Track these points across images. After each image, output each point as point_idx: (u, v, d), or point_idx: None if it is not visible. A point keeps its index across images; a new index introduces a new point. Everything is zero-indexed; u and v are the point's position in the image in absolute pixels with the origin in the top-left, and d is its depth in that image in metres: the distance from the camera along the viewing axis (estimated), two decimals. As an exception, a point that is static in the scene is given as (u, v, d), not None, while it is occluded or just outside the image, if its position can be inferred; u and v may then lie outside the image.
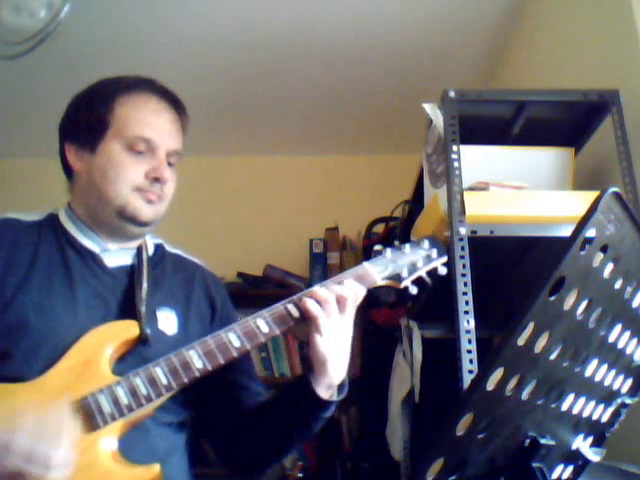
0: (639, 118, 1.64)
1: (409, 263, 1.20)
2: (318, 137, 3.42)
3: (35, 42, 1.66)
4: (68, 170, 1.23)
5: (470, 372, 1.37)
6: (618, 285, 0.80)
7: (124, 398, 1.00)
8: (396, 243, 1.22)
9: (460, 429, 0.71)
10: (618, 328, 0.85)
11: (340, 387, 1.11)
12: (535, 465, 0.81)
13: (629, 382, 0.96)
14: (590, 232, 0.71)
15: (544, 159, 1.71)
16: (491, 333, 1.86)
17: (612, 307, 0.82)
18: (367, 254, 3.25)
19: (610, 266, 0.77)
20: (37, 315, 1.05)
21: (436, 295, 1.62)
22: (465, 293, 1.43)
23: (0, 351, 1.03)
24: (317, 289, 1.08)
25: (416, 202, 2.13)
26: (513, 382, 0.74)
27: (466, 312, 1.42)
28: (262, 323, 1.08)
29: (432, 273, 1.22)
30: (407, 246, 1.22)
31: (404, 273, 1.19)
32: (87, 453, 0.96)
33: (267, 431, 1.16)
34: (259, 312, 1.10)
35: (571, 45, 2.11)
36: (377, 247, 1.21)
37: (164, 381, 1.02)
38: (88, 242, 1.18)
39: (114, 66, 3.03)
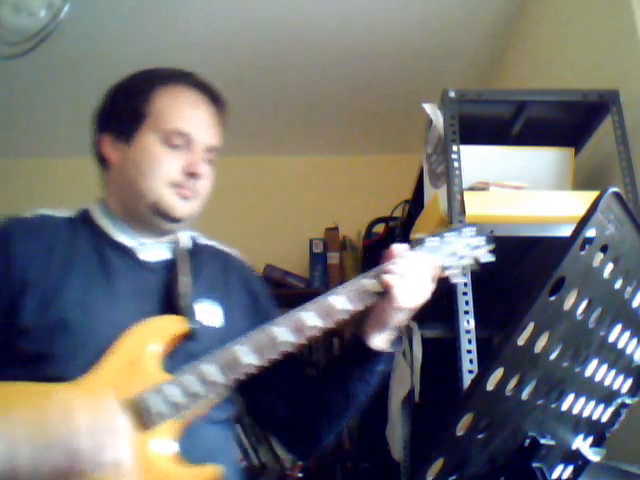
0: (639, 118, 1.64)
1: (454, 251, 1.15)
2: (318, 137, 3.41)
3: (35, 42, 1.66)
4: (103, 162, 1.20)
5: (470, 372, 1.37)
6: (618, 285, 0.80)
7: (178, 397, 0.97)
8: (436, 232, 1.18)
9: (460, 429, 0.71)
10: (618, 328, 0.85)
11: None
12: (535, 465, 0.81)
13: (629, 382, 0.96)
14: (590, 232, 0.71)
15: (544, 159, 1.71)
16: (491, 333, 1.86)
17: (612, 307, 0.82)
18: (367, 254, 3.24)
19: (610, 266, 0.77)
20: (79, 314, 1.03)
21: (436, 295, 1.62)
22: (465, 293, 1.43)
23: (42, 351, 1.01)
24: (393, 266, 1.06)
25: (416, 202, 2.13)
26: (513, 382, 0.74)
27: (466, 312, 1.42)
28: (311, 316, 1.05)
29: (477, 261, 1.17)
30: (450, 234, 1.16)
31: (449, 262, 1.14)
32: (145, 455, 0.94)
33: (328, 395, 1.14)
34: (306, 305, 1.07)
35: (571, 45, 2.11)
36: (418, 235, 1.16)
37: (217, 378, 0.99)
38: (123, 237, 1.15)
39: (114, 66, 3.03)
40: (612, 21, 1.82)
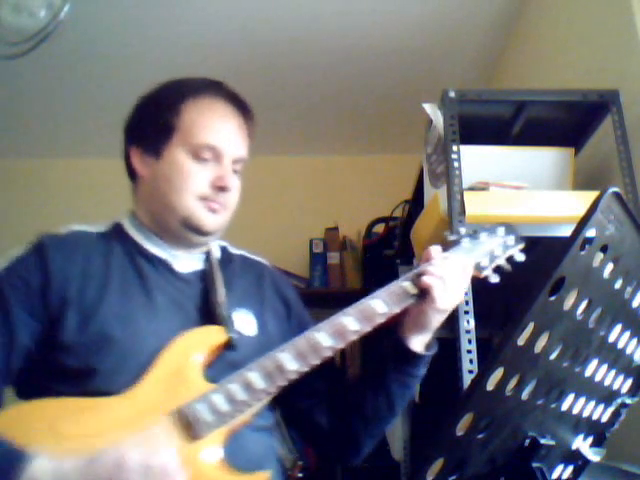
0: (639, 118, 1.64)
1: (488, 251, 1.17)
2: (318, 137, 3.41)
3: (35, 42, 1.66)
4: (132, 175, 1.19)
5: (470, 372, 1.37)
6: (618, 285, 0.80)
7: (223, 406, 0.97)
8: (468, 231, 1.18)
9: (460, 429, 0.71)
10: (618, 328, 0.85)
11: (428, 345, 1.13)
12: (535, 465, 0.81)
13: (629, 382, 0.96)
14: (590, 232, 0.71)
15: (544, 159, 1.71)
16: (491, 333, 1.85)
17: (612, 307, 0.82)
18: (367, 254, 3.22)
19: (610, 266, 0.77)
20: (120, 327, 1.03)
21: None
22: (465, 293, 1.42)
23: (85, 367, 1.01)
24: (432, 267, 1.07)
25: (416, 202, 2.13)
26: (513, 382, 0.74)
27: (466, 312, 1.41)
28: (351, 320, 1.05)
29: (511, 260, 1.20)
30: (483, 234, 1.18)
31: (484, 262, 1.16)
32: (194, 464, 0.94)
33: (367, 399, 1.14)
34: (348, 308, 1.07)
35: (571, 45, 2.11)
36: (452, 237, 1.17)
37: (261, 385, 0.99)
38: (157, 250, 1.16)
39: (114, 66, 3.03)
40: (612, 21, 1.82)
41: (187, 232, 1.14)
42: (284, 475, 1.18)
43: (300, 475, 2.58)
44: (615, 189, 0.74)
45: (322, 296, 2.90)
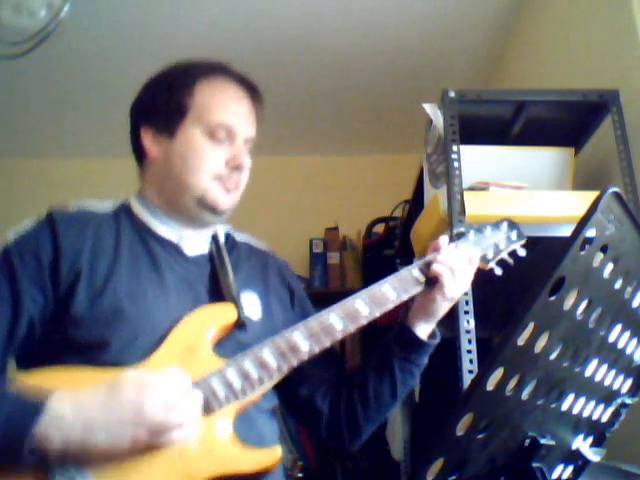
0: (639, 118, 1.64)
1: (492, 244, 1.21)
2: (318, 137, 3.41)
3: (35, 42, 1.66)
4: (140, 155, 1.20)
5: (470, 372, 1.37)
6: (618, 285, 0.80)
7: (237, 381, 0.98)
8: (475, 225, 1.23)
9: (460, 429, 0.71)
10: (618, 328, 0.85)
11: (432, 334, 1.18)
12: (535, 465, 0.81)
13: (629, 382, 0.96)
14: (590, 232, 0.71)
15: (544, 159, 1.71)
16: (491, 333, 1.85)
17: (612, 307, 0.82)
18: (367, 254, 3.22)
19: (610, 266, 0.77)
20: (131, 302, 1.04)
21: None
22: (465, 293, 1.42)
23: (98, 340, 1.01)
24: (441, 256, 1.12)
25: (416, 202, 2.13)
26: (513, 382, 0.74)
27: (466, 312, 1.42)
28: (361, 304, 1.08)
29: (514, 254, 1.23)
30: (488, 228, 1.23)
31: (489, 254, 1.20)
32: (206, 438, 0.95)
33: (372, 384, 1.16)
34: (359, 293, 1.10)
35: (571, 45, 2.11)
36: (458, 230, 1.22)
37: (274, 364, 1.01)
38: (166, 230, 1.16)
39: (115, 66, 3.03)
40: (612, 21, 1.82)
41: (201, 211, 1.16)
42: (284, 467, 1.18)
43: (300, 475, 2.59)
44: (615, 189, 0.74)
45: (322, 296, 2.90)
